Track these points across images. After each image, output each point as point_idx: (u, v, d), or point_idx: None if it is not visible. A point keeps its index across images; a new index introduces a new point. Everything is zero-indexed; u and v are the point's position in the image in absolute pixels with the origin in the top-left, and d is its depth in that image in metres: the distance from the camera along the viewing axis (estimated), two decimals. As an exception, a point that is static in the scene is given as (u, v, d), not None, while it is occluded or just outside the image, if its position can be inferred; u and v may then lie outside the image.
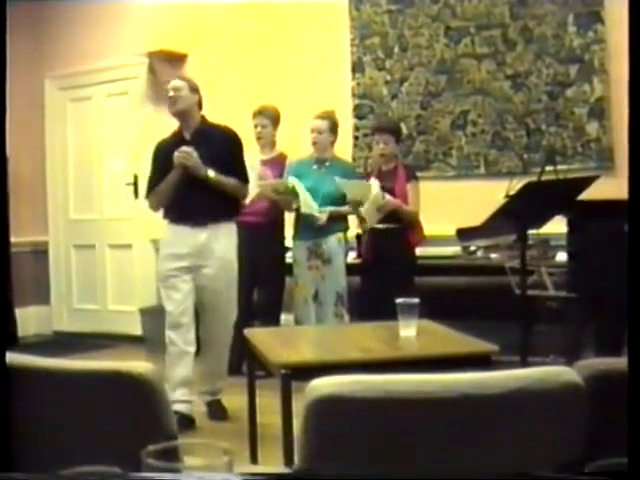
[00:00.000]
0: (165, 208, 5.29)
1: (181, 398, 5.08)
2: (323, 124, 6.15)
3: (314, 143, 6.19)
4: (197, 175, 5.04)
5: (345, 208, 6.07)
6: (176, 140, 5.25)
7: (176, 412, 5.08)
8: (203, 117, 5.34)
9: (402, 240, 5.94)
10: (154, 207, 5.39)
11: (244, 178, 5.30)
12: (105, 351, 7.67)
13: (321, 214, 6.00)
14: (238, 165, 5.27)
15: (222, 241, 5.21)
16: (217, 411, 5.33)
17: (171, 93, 5.23)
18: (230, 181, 5.17)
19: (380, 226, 5.92)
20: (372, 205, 5.84)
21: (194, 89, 5.31)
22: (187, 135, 5.24)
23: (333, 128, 6.19)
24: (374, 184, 5.87)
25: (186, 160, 5.03)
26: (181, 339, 5.15)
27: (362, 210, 5.92)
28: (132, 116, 8.27)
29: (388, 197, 5.83)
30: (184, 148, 5.05)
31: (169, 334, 5.17)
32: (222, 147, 5.20)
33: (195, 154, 5.04)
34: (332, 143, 6.23)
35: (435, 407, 1.61)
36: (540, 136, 6.58)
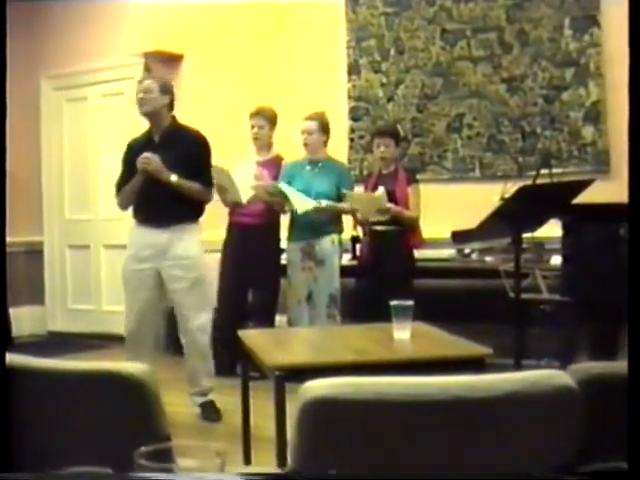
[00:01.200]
0: (133, 209, 5.37)
1: None
2: (313, 125, 6.16)
3: (305, 144, 6.20)
4: (159, 179, 5.07)
5: (343, 205, 6.05)
6: (145, 141, 5.30)
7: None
8: (174, 118, 5.34)
9: (401, 242, 5.95)
10: (121, 207, 5.47)
11: (208, 182, 5.33)
12: (99, 351, 7.67)
13: (320, 204, 5.99)
14: (204, 169, 5.30)
15: (185, 242, 5.24)
16: (210, 412, 5.33)
17: (140, 94, 5.22)
18: (193, 185, 5.19)
19: (380, 228, 5.93)
20: (373, 205, 5.85)
21: (165, 90, 5.28)
22: (156, 137, 5.27)
23: (323, 128, 6.19)
24: (380, 190, 5.88)
25: (147, 165, 5.08)
26: (146, 338, 5.28)
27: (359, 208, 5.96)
28: (128, 116, 8.26)
29: (391, 205, 5.84)
30: (145, 154, 5.08)
31: (130, 334, 5.30)
32: (190, 150, 5.22)
33: (156, 159, 5.07)
34: (324, 143, 6.23)
35: (428, 410, 1.61)
36: (535, 139, 6.59)
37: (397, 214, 5.88)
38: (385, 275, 5.83)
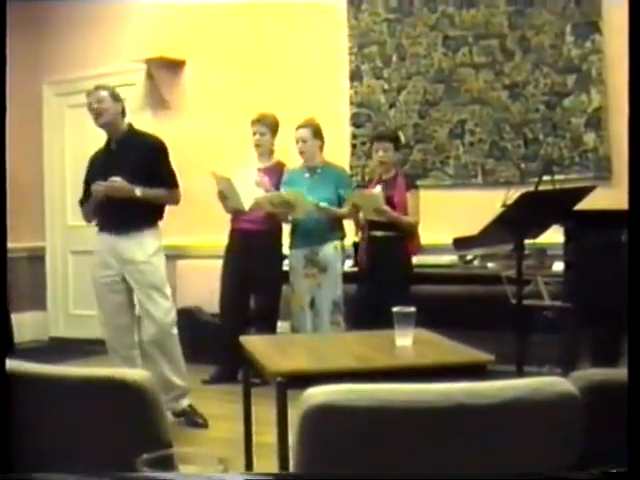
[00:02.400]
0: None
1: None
2: (305, 132, 6.16)
3: (301, 152, 6.21)
4: (122, 197, 5.06)
5: (342, 210, 6.05)
6: (104, 151, 5.32)
7: None
8: (130, 125, 5.34)
9: (400, 248, 5.94)
10: (86, 219, 5.53)
11: (173, 184, 5.32)
12: (101, 357, 7.63)
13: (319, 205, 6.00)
14: (165, 172, 5.29)
15: (145, 247, 5.24)
16: (193, 417, 5.32)
17: (95, 105, 5.20)
18: (159, 192, 5.20)
19: (378, 234, 5.93)
20: (370, 203, 5.84)
21: (116, 97, 5.28)
22: (113, 145, 5.27)
23: (317, 134, 6.19)
24: (377, 189, 5.89)
25: (113, 192, 5.05)
26: (124, 345, 5.34)
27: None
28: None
29: (388, 208, 5.83)
30: (110, 180, 5.05)
31: (109, 342, 5.39)
32: (147, 155, 5.21)
33: (120, 182, 5.04)
34: (320, 148, 6.24)
35: (431, 417, 1.61)
36: (537, 146, 6.59)
37: (394, 219, 5.86)
38: (382, 281, 5.82)
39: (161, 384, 5.29)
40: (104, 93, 5.23)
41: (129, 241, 5.20)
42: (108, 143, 5.31)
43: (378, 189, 5.90)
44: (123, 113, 5.30)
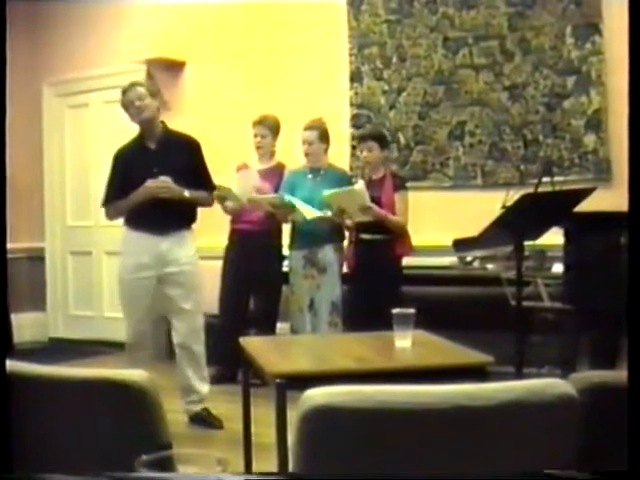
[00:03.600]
0: (127, 215, 5.24)
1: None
2: (312, 135, 6.13)
3: (306, 154, 6.18)
4: (172, 198, 5.03)
5: (328, 213, 5.99)
6: (139, 149, 5.21)
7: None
8: (164, 124, 5.31)
9: (388, 251, 5.90)
10: (110, 218, 5.39)
11: (211, 187, 5.32)
12: (100, 358, 7.66)
13: (325, 214, 5.96)
14: (205, 174, 5.28)
15: (187, 248, 5.23)
16: (209, 419, 5.32)
17: (137, 102, 5.13)
18: (201, 194, 5.19)
19: (366, 237, 5.91)
20: (354, 202, 5.78)
21: (154, 94, 5.26)
22: (151, 144, 5.20)
23: (323, 136, 6.16)
24: (359, 184, 5.85)
25: (165, 192, 5.01)
26: (147, 346, 5.27)
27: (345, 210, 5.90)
28: (129, 123, 8.26)
29: (373, 205, 5.78)
30: (162, 180, 5.01)
31: (132, 341, 5.24)
32: (187, 156, 5.18)
33: (172, 184, 5.02)
34: (325, 151, 6.21)
35: (429, 418, 1.61)
36: (537, 147, 6.59)
37: (381, 217, 5.82)
38: (370, 283, 5.81)
39: (183, 387, 5.30)
40: (142, 89, 5.18)
41: (172, 242, 5.15)
42: (142, 140, 5.22)
43: (360, 184, 5.85)
44: (159, 109, 5.28)
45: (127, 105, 5.18)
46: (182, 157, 5.14)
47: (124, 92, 5.21)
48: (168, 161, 5.08)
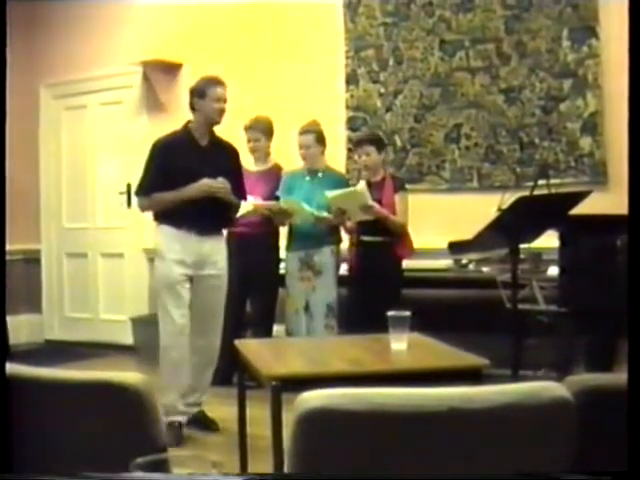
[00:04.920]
0: (169, 213, 5.10)
1: (184, 409, 5.12)
2: (309, 138, 6.14)
3: (304, 158, 6.19)
4: (226, 200, 5.06)
5: (329, 216, 5.99)
6: (187, 143, 5.12)
7: (179, 423, 5.09)
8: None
9: (389, 253, 5.90)
10: (146, 209, 5.29)
11: (244, 197, 5.36)
12: (96, 360, 7.66)
13: (321, 215, 5.97)
14: (241, 184, 5.30)
15: (222, 252, 5.23)
16: (207, 421, 5.32)
17: (222, 104, 5.11)
18: (239, 202, 5.27)
19: (367, 238, 5.91)
20: (357, 203, 5.78)
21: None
22: (202, 141, 5.14)
23: (320, 139, 6.17)
24: (361, 185, 5.85)
25: (222, 193, 5.02)
26: (184, 347, 5.11)
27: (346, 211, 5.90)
28: (126, 125, 8.28)
29: (375, 203, 5.78)
30: (220, 181, 5.01)
31: (171, 342, 5.07)
32: (231, 161, 5.23)
33: (229, 186, 5.04)
34: (322, 153, 6.22)
35: (425, 421, 1.61)
36: (533, 150, 6.59)
37: (382, 216, 5.81)
38: (372, 286, 5.80)
39: (191, 386, 5.22)
40: (224, 90, 5.14)
41: (213, 244, 5.14)
42: (191, 136, 5.13)
43: (362, 184, 5.85)
44: None
45: (215, 98, 5.10)
46: (228, 162, 5.18)
47: (218, 82, 5.13)
48: (218, 162, 5.08)
